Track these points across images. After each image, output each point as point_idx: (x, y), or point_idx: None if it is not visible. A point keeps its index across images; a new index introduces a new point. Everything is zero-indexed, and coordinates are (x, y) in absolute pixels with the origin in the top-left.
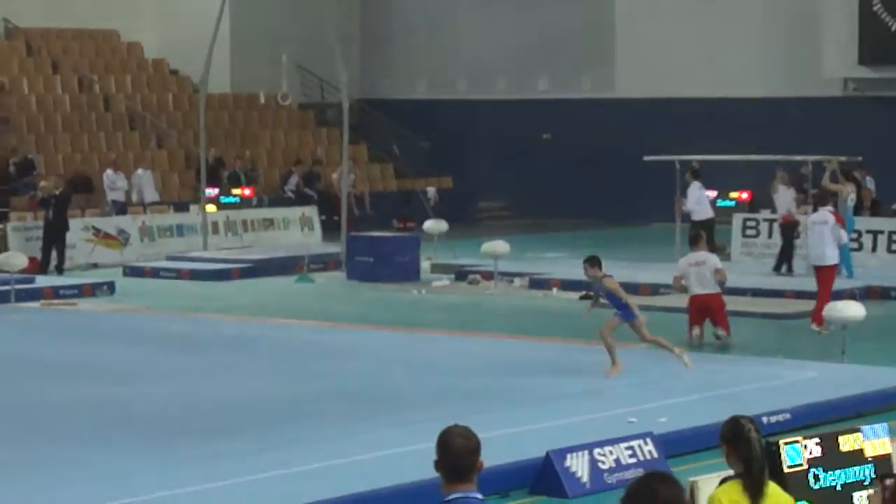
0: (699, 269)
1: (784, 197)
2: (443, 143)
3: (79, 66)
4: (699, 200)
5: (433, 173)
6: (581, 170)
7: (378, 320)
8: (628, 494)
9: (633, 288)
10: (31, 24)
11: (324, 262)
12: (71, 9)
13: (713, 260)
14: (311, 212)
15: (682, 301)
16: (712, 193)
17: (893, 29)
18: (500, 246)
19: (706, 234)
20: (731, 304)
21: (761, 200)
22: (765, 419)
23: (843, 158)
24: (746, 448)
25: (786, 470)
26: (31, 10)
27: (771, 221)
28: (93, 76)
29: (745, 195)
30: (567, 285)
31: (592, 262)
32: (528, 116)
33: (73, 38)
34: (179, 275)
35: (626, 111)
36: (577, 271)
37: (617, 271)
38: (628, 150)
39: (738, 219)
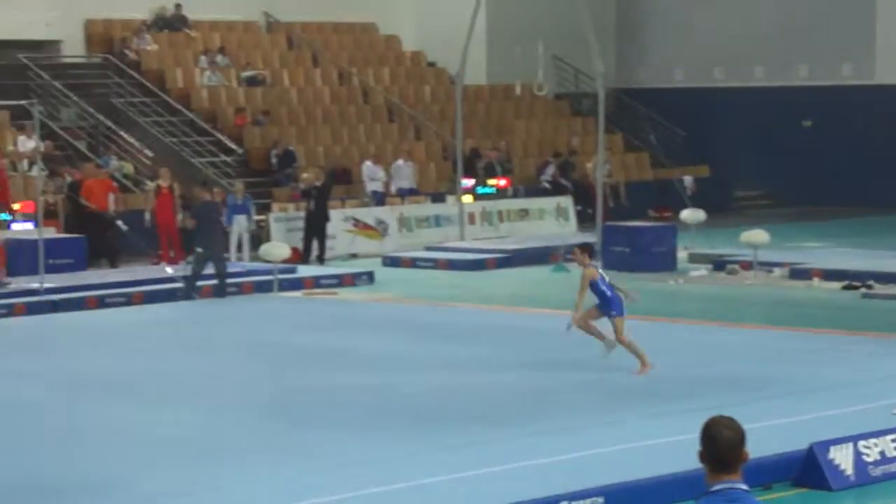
0: None
1: None
2: (699, 131)
3: (338, 59)
4: None
5: (689, 162)
6: (842, 157)
7: (634, 310)
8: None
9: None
10: (292, 19)
11: None
12: (330, 3)
13: None
14: (567, 202)
15: None
16: None
17: None
18: (759, 235)
19: None
20: None
21: None
22: None
23: None
24: None
25: None
26: (291, 4)
27: None
28: (352, 69)
29: None
30: (829, 275)
31: (584, 248)
32: (786, 104)
33: (333, 31)
34: (437, 265)
35: (887, 98)
36: (839, 260)
37: (885, 262)
38: (890, 138)
39: None
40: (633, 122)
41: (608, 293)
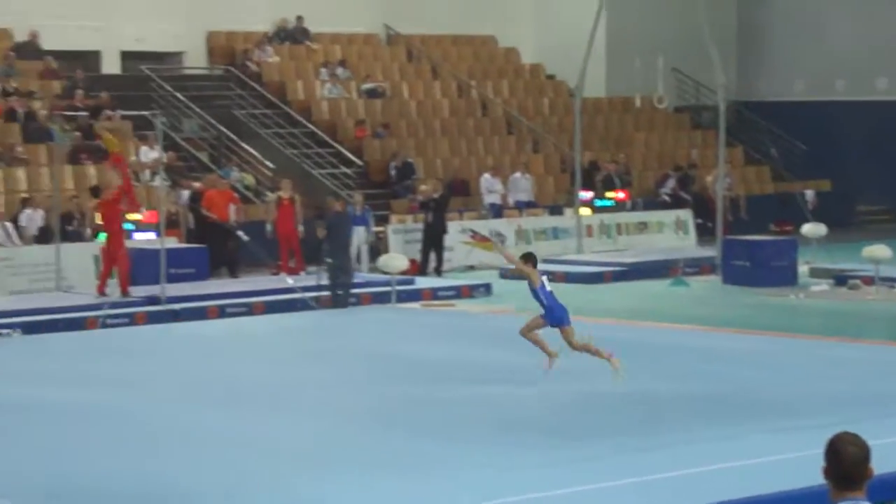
0: None
1: None
2: (820, 144)
3: (457, 72)
4: None
5: (810, 176)
6: None
7: (754, 325)
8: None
9: None
10: (412, 31)
11: (698, 266)
12: (450, 15)
13: None
14: (686, 215)
15: None
16: None
17: None
18: (881, 250)
19: None
20: None
21: None
22: None
23: None
24: None
25: None
26: (411, 16)
27: None
28: (471, 81)
29: None
30: None
31: (527, 258)
32: None
33: (452, 43)
34: (554, 277)
35: None
36: None
37: None
38: None
39: None
40: (753, 135)
41: (545, 302)
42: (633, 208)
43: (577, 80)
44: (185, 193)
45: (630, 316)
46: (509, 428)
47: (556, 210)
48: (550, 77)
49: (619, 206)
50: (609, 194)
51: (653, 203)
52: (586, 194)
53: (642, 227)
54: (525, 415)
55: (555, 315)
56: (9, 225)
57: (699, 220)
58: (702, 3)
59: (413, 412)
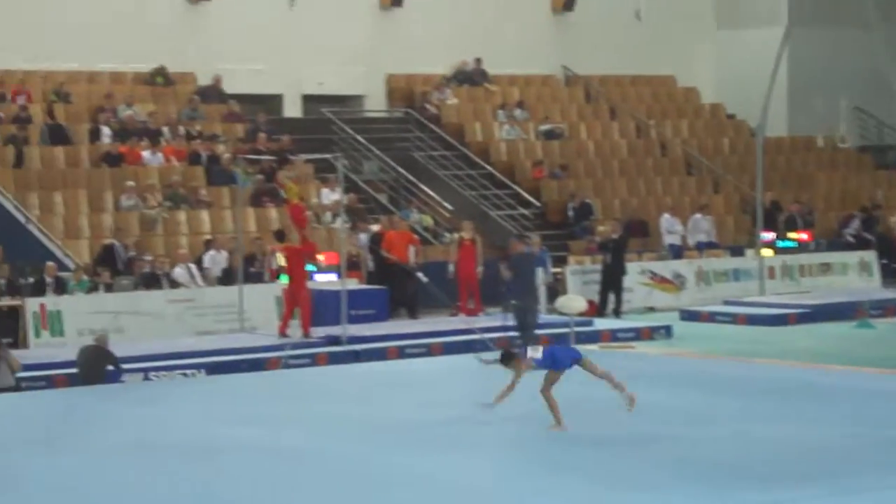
0: None
1: None
2: None
3: (636, 112)
4: None
5: None
6: None
7: None
8: None
9: None
10: (590, 72)
11: (884, 308)
12: (629, 56)
13: None
14: (870, 256)
15: None
16: None
17: None
18: None
19: None
20: None
21: None
22: None
23: None
24: None
25: None
26: (589, 57)
27: None
28: (649, 121)
29: None
30: None
31: (508, 357)
32: None
33: (631, 84)
34: (735, 319)
35: None
36: None
37: None
38: None
39: None
40: None
41: (546, 363)
42: (816, 249)
43: (758, 119)
44: (364, 235)
45: (815, 359)
46: (687, 469)
47: (737, 251)
48: (731, 116)
49: (801, 248)
50: (792, 235)
51: (836, 244)
52: (768, 235)
53: (826, 268)
54: (703, 457)
55: (557, 359)
56: (193, 266)
57: (884, 261)
58: (884, 42)
59: (588, 454)
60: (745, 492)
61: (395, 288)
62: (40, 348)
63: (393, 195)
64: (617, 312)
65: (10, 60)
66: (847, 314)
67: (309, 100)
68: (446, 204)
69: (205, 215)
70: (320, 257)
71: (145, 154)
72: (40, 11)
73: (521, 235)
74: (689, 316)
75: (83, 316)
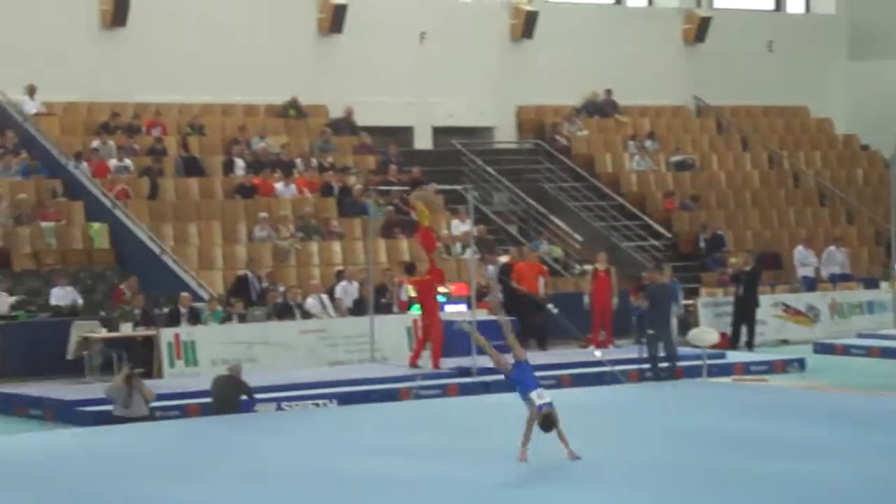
0: None
1: None
2: None
3: (768, 143)
4: None
5: None
6: None
7: None
8: None
9: None
10: (722, 103)
11: None
12: (761, 87)
13: None
14: None
15: None
16: None
17: None
18: None
19: None
20: None
21: None
22: None
23: None
24: None
25: None
26: (721, 88)
27: None
28: (782, 152)
29: None
30: None
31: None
32: None
33: (763, 114)
34: (870, 352)
35: None
36: None
37: None
38: None
39: None
40: None
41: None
42: None
43: (892, 149)
44: (493, 266)
45: None
46: None
47: (871, 283)
48: (864, 147)
49: None
50: None
51: None
52: None
53: None
54: (836, 492)
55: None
56: (325, 297)
57: None
58: None
59: (721, 488)
60: None
61: (524, 319)
62: (174, 378)
63: (522, 226)
64: (750, 345)
65: (146, 93)
66: None
67: (439, 131)
68: (576, 235)
69: (336, 246)
70: (448, 287)
71: (278, 186)
72: (175, 45)
73: (657, 266)
74: (823, 349)
75: (217, 346)
